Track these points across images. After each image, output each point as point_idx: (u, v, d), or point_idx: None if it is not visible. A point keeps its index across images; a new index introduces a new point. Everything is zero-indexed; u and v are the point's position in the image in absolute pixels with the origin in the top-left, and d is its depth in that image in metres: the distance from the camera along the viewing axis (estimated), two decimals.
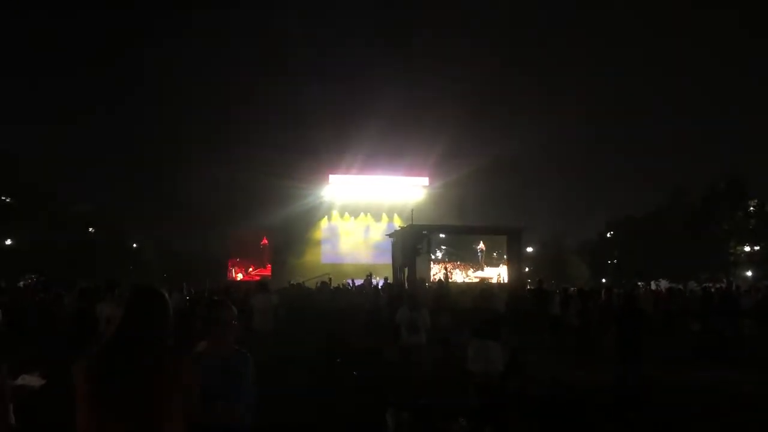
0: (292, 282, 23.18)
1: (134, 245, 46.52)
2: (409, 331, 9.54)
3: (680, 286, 24.29)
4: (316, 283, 17.67)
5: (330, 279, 22.49)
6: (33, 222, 34.51)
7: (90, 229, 41.66)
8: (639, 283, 34.05)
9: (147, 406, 2.56)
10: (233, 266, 47.76)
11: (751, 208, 36.95)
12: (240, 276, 46.24)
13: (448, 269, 29.38)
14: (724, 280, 32.86)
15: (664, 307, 16.97)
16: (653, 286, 32.64)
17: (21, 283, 25.13)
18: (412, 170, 49.51)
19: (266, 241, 48.50)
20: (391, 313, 11.27)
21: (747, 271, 37.79)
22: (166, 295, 2.88)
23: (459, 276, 29.80)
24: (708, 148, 61.15)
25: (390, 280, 25.76)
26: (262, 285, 13.58)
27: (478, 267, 30.94)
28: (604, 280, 40.25)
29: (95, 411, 2.54)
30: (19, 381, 4.09)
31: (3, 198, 35.56)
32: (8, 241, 35.48)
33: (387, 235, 40.65)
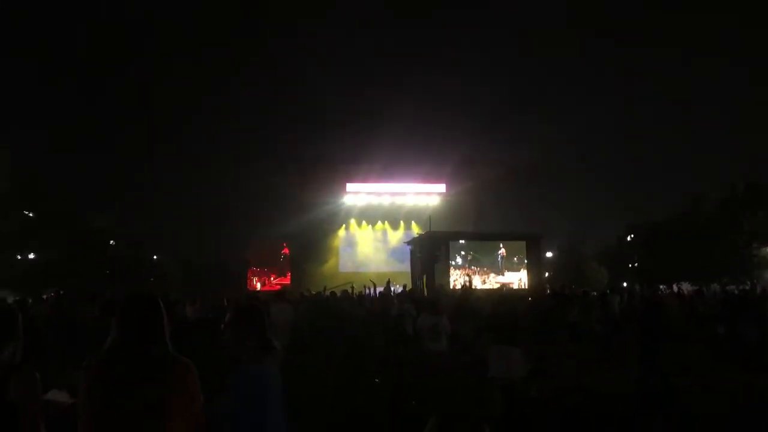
0: (311, 291, 23.15)
1: (154, 257, 46.89)
2: (431, 338, 9.50)
3: (703, 289, 23.91)
4: (339, 292, 17.60)
5: (352, 287, 22.46)
6: (55, 236, 34.94)
7: (111, 242, 42.10)
8: (661, 287, 33.66)
9: (148, 417, 2.45)
10: (253, 276, 48.06)
11: None
12: (259, 286, 46.49)
13: (470, 275, 29.29)
14: (748, 283, 32.37)
15: (689, 309, 16.73)
16: (675, 289, 32.23)
17: (44, 296, 25.36)
18: (429, 177, 49.48)
19: (287, 250, 48.78)
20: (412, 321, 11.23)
21: None
22: (160, 300, 2.76)
23: (478, 282, 29.70)
24: (728, 150, 60.30)
25: (409, 288, 25.71)
26: (279, 294, 13.49)
27: (499, 272, 30.88)
28: (625, 284, 39.84)
29: (97, 424, 2.45)
30: (49, 395, 4.07)
31: (26, 213, 36.07)
32: (31, 255, 35.96)
33: (405, 242, 40.66)
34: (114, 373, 2.49)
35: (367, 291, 20.82)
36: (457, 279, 29.19)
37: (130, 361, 2.52)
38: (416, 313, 11.58)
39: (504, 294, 13.15)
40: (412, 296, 16.29)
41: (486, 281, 30.46)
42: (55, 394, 3.97)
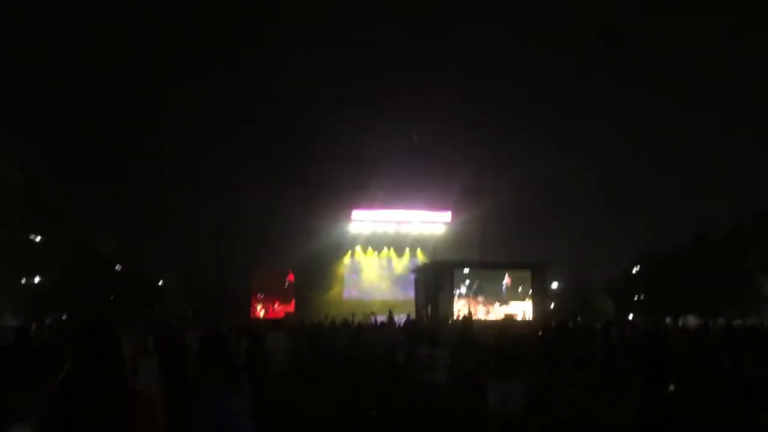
0: (312, 319, 23.11)
1: (160, 282, 46.88)
2: (427, 369, 9.39)
3: (709, 323, 23.70)
4: (336, 320, 17.62)
5: (353, 316, 22.36)
6: (60, 259, 35.02)
7: (117, 267, 42.13)
8: (667, 320, 33.40)
9: None
10: (257, 302, 47.86)
11: None
12: (263, 313, 46.27)
13: (471, 306, 29.14)
14: (755, 317, 32.06)
15: (693, 342, 16.57)
16: (681, 322, 31.98)
17: (47, 321, 25.34)
18: (435, 205, 49.55)
19: (292, 277, 48.66)
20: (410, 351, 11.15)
21: None
22: (118, 330, 2.65)
23: (482, 312, 29.53)
24: (732, 182, 59.92)
25: (413, 317, 25.55)
26: (276, 323, 13.53)
27: (504, 302, 30.69)
28: (631, 317, 39.55)
29: None
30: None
31: (31, 236, 36.20)
32: (36, 279, 36.02)
33: (411, 270, 40.55)
34: (71, 406, 2.39)
35: (373, 319, 20.77)
36: (461, 309, 29.02)
37: (87, 394, 2.42)
38: (408, 344, 11.56)
39: (505, 327, 13.05)
40: (406, 327, 16.28)
41: (490, 311, 30.28)
42: (17, 427, 3.92)
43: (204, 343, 3.31)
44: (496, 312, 30.01)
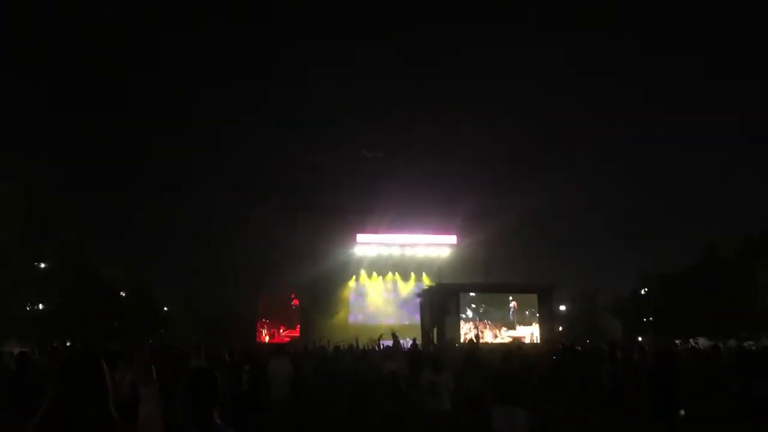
0: (315, 343, 22.94)
1: (165, 308, 46.75)
2: (431, 396, 9.19)
3: (720, 344, 23.35)
4: (342, 346, 17.48)
5: (357, 340, 22.16)
6: (65, 286, 34.94)
7: (122, 293, 42.06)
8: (676, 341, 33.01)
9: None
10: (262, 327, 47.61)
11: None
12: (268, 338, 46.00)
13: (479, 329, 28.89)
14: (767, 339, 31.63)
15: (703, 365, 16.31)
16: (691, 343, 31.55)
17: (50, 348, 25.17)
18: (440, 229, 49.41)
19: (297, 302, 48.46)
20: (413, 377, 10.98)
21: None
22: (102, 361, 2.54)
23: (489, 336, 29.24)
24: (741, 200, 59.71)
25: (419, 341, 25.31)
26: (279, 348, 13.42)
27: (511, 326, 30.38)
28: (640, 338, 39.13)
29: None
30: None
31: (37, 263, 36.18)
32: (41, 306, 35.93)
33: (416, 294, 40.31)
34: None
35: (381, 344, 20.56)
36: (467, 332, 28.76)
37: (77, 427, 2.33)
38: (408, 370, 11.42)
39: (511, 350, 12.89)
40: (407, 353, 16.13)
41: (498, 335, 29.99)
42: None
43: (190, 378, 3.11)
44: (503, 337, 29.71)
